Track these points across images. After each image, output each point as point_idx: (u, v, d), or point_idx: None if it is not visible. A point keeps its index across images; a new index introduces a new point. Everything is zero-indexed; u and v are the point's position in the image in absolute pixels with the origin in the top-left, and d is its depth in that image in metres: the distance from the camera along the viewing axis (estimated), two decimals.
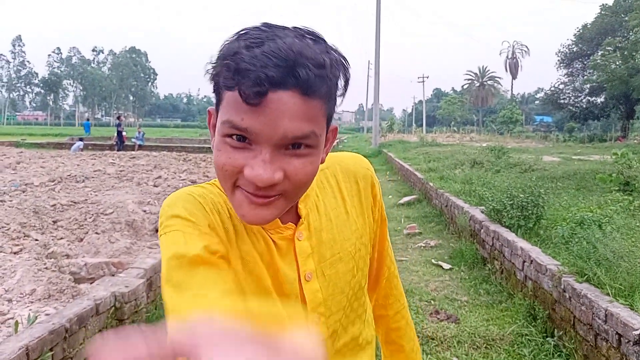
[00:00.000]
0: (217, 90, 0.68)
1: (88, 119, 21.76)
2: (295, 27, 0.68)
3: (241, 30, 0.66)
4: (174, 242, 0.70)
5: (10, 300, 3.06)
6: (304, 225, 0.82)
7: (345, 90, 0.73)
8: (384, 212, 0.99)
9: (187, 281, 0.65)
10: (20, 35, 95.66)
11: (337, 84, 0.69)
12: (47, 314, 2.80)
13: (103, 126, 74.68)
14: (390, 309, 1.08)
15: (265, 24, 0.67)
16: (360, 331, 0.90)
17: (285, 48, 0.62)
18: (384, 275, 1.06)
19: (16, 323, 2.54)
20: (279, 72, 0.61)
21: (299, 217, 0.82)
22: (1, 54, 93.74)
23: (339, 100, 0.73)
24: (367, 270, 0.93)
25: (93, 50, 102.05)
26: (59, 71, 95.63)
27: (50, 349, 2.49)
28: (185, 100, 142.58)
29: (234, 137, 0.66)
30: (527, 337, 3.51)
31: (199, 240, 0.70)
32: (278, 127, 0.64)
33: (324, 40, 0.68)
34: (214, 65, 0.67)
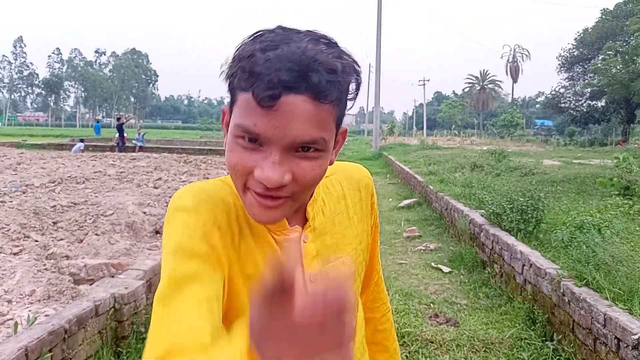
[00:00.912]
0: (232, 91, 0.70)
1: (98, 121, 21.92)
2: (309, 31, 0.69)
3: (257, 33, 0.68)
4: (176, 233, 0.72)
5: (9, 301, 3.06)
6: (310, 228, 0.83)
7: (357, 95, 0.74)
8: (377, 219, 1.02)
9: (175, 298, 0.65)
10: (21, 36, 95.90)
11: (348, 88, 0.70)
12: (46, 315, 2.80)
13: (104, 127, 74.71)
14: (378, 312, 1.12)
15: (280, 27, 0.69)
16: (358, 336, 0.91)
17: (299, 52, 0.63)
18: (374, 280, 1.09)
19: (15, 324, 2.54)
20: (292, 76, 0.63)
21: (305, 219, 0.84)
22: (3, 55, 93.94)
23: (349, 104, 0.74)
24: (363, 275, 0.96)
25: (96, 52, 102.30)
26: (60, 72, 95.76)
27: (50, 350, 2.49)
28: (186, 102, 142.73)
29: (245, 138, 0.68)
30: (526, 341, 3.51)
31: (198, 239, 0.72)
32: (289, 131, 0.65)
33: (337, 45, 0.69)
34: (229, 65, 0.69)
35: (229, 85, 0.71)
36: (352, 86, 0.72)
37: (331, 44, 0.69)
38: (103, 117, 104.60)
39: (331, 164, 0.77)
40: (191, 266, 0.69)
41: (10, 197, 6.08)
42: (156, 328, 0.63)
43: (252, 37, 0.68)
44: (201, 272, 0.69)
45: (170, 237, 0.72)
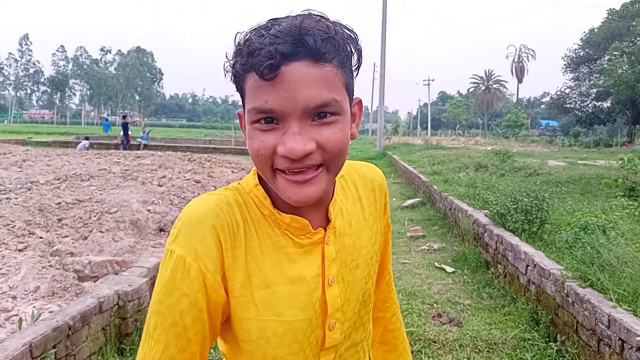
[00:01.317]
0: (239, 85, 0.72)
1: (107, 119, 22.01)
2: (298, 13, 0.71)
3: (251, 26, 0.71)
4: (160, 283, 0.72)
5: (14, 297, 3.08)
6: (332, 230, 0.83)
7: (360, 63, 0.75)
8: (389, 219, 1.01)
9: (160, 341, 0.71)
10: (27, 34, 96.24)
11: (346, 50, 0.71)
12: (50, 312, 2.81)
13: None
14: (388, 312, 1.10)
15: (271, 18, 0.72)
16: (362, 338, 0.90)
17: (289, 26, 0.67)
18: (385, 279, 1.08)
19: (20, 320, 2.56)
20: (287, 45, 0.65)
21: (327, 221, 0.83)
22: (10, 53, 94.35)
23: (355, 73, 0.75)
24: (376, 277, 0.95)
25: (101, 50, 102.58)
26: (66, 70, 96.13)
27: (54, 346, 2.50)
28: (190, 100, 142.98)
29: (262, 121, 0.69)
30: (530, 341, 3.50)
31: (175, 298, 0.71)
32: (298, 98, 0.66)
33: (328, 18, 0.72)
34: (230, 60, 0.72)
35: (235, 81, 0.73)
36: (354, 55, 0.74)
37: (323, 16, 0.71)
38: (108, 115, 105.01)
39: (353, 137, 0.77)
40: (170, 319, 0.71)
41: (16, 194, 6.11)
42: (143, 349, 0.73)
43: (247, 30, 0.71)
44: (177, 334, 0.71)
45: (158, 282, 0.73)
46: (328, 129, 0.70)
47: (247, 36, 0.69)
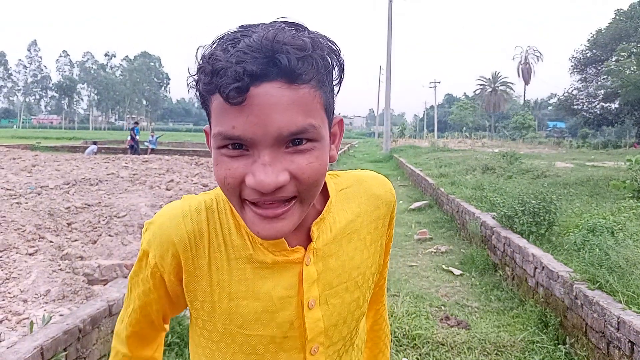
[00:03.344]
0: (204, 103, 0.65)
1: (137, 123, 22.29)
2: (273, 22, 0.64)
3: (217, 36, 0.63)
4: (130, 290, 0.83)
5: (25, 301, 3.11)
6: (313, 250, 0.76)
7: (341, 78, 0.67)
8: (392, 230, 0.93)
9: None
10: (35, 40, 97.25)
11: (326, 67, 0.63)
12: (61, 315, 2.84)
13: (116, 130, 75.60)
14: (377, 313, 1.06)
15: (241, 25, 0.64)
16: (351, 358, 0.86)
17: (259, 39, 0.58)
18: (379, 284, 1.02)
19: (31, 323, 2.59)
20: (257, 64, 0.57)
21: (309, 240, 0.77)
22: (19, 60, 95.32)
23: (336, 89, 0.68)
24: (370, 298, 0.89)
25: (105, 55, 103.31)
26: (72, 75, 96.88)
27: (64, 349, 2.53)
28: (197, 104, 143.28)
29: (229, 146, 0.62)
30: (539, 344, 3.48)
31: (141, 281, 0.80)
32: (270, 124, 0.59)
33: (306, 28, 0.64)
34: (193, 76, 0.64)
35: (200, 97, 0.65)
36: (335, 70, 0.65)
37: (299, 27, 0.63)
38: (115, 119, 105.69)
39: (332, 160, 0.70)
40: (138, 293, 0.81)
41: (26, 198, 6.17)
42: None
43: (211, 41, 0.63)
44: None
45: (128, 294, 0.85)
46: (303, 157, 0.62)
47: (212, 50, 0.60)
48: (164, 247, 0.75)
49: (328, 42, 0.64)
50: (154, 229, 0.76)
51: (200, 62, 0.61)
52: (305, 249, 0.76)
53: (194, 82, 0.64)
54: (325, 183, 0.81)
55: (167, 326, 0.89)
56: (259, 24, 0.63)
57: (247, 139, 0.60)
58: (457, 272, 5.32)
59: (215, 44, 0.61)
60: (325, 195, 0.81)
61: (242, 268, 0.74)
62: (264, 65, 0.58)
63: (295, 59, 0.58)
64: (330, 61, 0.64)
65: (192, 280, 0.76)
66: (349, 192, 0.83)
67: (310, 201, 0.67)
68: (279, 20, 0.64)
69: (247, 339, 0.75)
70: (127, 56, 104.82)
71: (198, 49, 0.63)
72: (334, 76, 0.66)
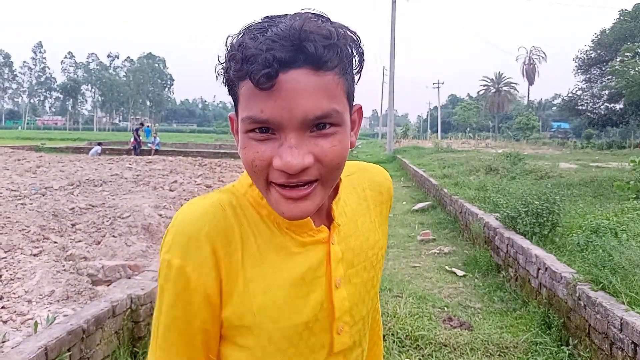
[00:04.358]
0: (232, 90, 0.68)
1: (148, 125, 22.38)
2: (297, 12, 0.67)
3: (243, 26, 0.66)
4: (163, 336, 0.73)
5: (30, 301, 3.13)
6: (337, 228, 0.79)
7: (361, 67, 0.70)
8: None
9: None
10: (41, 42, 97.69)
11: (349, 55, 0.67)
12: (65, 315, 2.85)
13: (121, 131, 75.89)
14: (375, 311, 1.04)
15: (267, 16, 0.67)
16: (366, 343, 0.87)
17: (287, 28, 0.61)
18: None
19: (35, 323, 2.60)
20: (286, 51, 0.60)
21: (330, 220, 0.79)
22: (24, 62, 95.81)
23: (356, 77, 0.71)
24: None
25: (108, 56, 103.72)
26: (77, 76, 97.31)
27: (68, 349, 2.55)
28: (200, 105, 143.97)
29: (257, 130, 0.65)
30: (542, 345, 3.48)
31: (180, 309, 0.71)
32: (297, 109, 0.62)
33: (329, 18, 0.67)
34: (222, 63, 0.67)
35: (228, 85, 0.68)
36: (355, 58, 0.68)
37: (323, 18, 0.66)
38: (120, 120, 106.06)
39: (352, 146, 0.72)
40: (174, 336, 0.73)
41: (30, 199, 6.20)
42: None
43: (239, 31, 0.66)
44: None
45: (160, 293, 0.74)
46: (327, 141, 0.65)
47: (241, 39, 0.63)
48: (203, 248, 0.70)
49: (349, 32, 0.67)
50: (183, 233, 0.71)
51: (230, 50, 0.64)
52: (329, 229, 0.78)
53: (222, 70, 0.67)
54: None
55: None
56: (284, 15, 0.66)
57: (275, 122, 0.63)
58: (460, 273, 5.31)
59: (242, 34, 0.64)
60: None
61: (273, 258, 0.74)
62: (292, 52, 0.61)
63: (322, 47, 0.61)
64: (351, 50, 0.67)
65: (228, 281, 0.72)
66: (353, 179, 0.87)
67: (332, 184, 0.70)
68: (304, 11, 0.66)
69: (284, 333, 0.74)
70: (128, 57, 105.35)
71: (227, 38, 0.66)
72: (354, 65, 0.69)
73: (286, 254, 0.75)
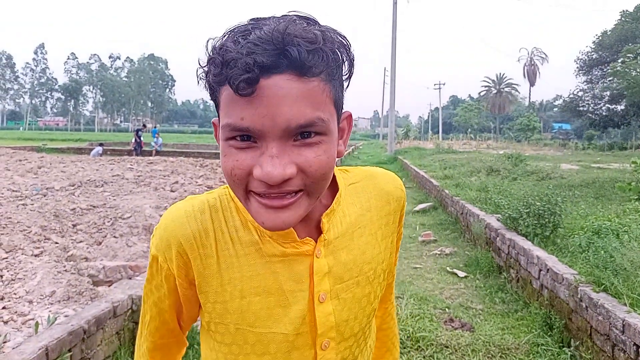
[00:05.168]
0: (213, 95, 0.65)
1: (156, 126, 22.42)
2: (284, 14, 0.64)
3: (228, 28, 0.63)
4: (145, 300, 0.84)
5: (30, 302, 3.13)
6: (324, 242, 0.76)
7: (351, 72, 0.67)
8: (402, 227, 0.93)
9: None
10: (43, 43, 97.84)
11: (336, 60, 0.63)
12: (66, 316, 2.85)
13: (122, 132, 75.98)
14: (385, 312, 1.04)
15: (252, 18, 0.64)
16: (364, 357, 0.85)
17: (271, 31, 0.58)
18: (389, 281, 0.99)
19: (36, 324, 2.60)
20: (268, 55, 0.57)
21: (319, 232, 0.76)
22: (26, 63, 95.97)
23: (345, 83, 0.68)
24: (381, 295, 0.88)
25: (110, 57, 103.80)
26: (78, 77, 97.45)
27: (69, 350, 2.54)
28: (202, 106, 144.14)
29: (237, 138, 0.62)
30: (543, 347, 3.47)
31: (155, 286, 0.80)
32: (279, 117, 0.59)
33: (317, 22, 0.64)
34: (203, 67, 0.64)
35: (209, 89, 0.65)
36: (345, 64, 0.65)
37: (309, 21, 0.63)
38: (121, 121, 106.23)
39: (340, 155, 0.69)
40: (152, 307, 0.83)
41: (32, 200, 6.21)
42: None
43: (223, 33, 0.63)
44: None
45: (144, 297, 0.84)
46: (311, 150, 0.62)
47: (222, 42, 0.60)
48: (172, 249, 0.74)
49: (339, 36, 0.64)
50: (160, 233, 0.76)
51: (211, 54, 0.61)
52: (316, 242, 0.75)
53: (203, 74, 0.64)
54: (334, 177, 0.81)
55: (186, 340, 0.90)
56: (270, 17, 0.63)
57: (256, 130, 0.60)
58: (461, 274, 5.30)
59: (226, 36, 0.62)
60: (334, 188, 0.80)
61: (252, 264, 0.73)
62: (274, 57, 0.57)
63: (306, 52, 0.58)
64: (340, 55, 0.64)
65: (203, 281, 0.75)
66: (358, 187, 0.83)
67: (318, 195, 0.67)
68: (290, 13, 0.64)
69: (259, 338, 0.74)
70: (128, 57, 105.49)
71: (208, 40, 0.63)
72: (344, 70, 0.66)
73: (266, 262, 0.74)
